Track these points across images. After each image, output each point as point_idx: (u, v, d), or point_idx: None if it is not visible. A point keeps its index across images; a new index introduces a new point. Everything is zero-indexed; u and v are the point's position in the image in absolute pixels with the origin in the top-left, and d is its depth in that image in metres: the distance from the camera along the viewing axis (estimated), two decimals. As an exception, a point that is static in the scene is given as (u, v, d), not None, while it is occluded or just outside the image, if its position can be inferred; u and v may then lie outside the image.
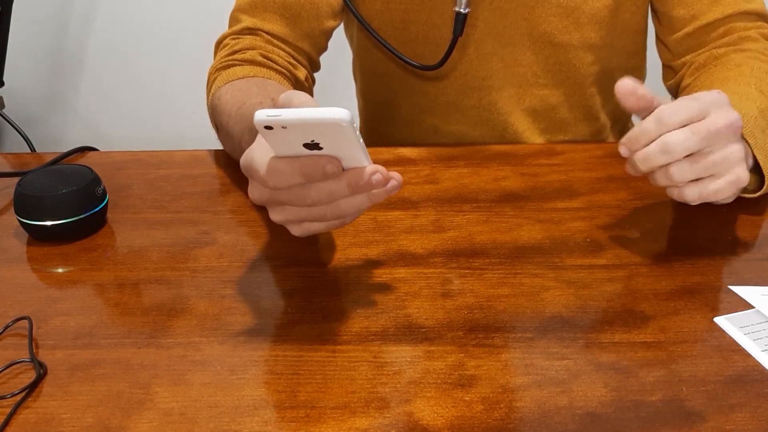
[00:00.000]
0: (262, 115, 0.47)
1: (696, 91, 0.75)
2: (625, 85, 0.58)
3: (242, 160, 0.53)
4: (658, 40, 0.88)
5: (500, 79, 0.88)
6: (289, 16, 0.83)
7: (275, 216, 0.55)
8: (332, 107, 0.46)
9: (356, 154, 0.50)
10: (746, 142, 0.63)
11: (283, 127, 0.47)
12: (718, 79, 0.76)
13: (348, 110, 0.46)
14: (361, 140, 0.49)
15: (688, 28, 0.83)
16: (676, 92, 0.87)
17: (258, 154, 0.52)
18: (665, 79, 0.89)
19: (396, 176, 0.52)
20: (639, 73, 0.96)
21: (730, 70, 0.76)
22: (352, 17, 0.92)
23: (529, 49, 0.86)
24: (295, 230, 0.56)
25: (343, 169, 0.51)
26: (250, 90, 0.73)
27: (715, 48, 0.82)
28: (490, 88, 0.89)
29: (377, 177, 0.51)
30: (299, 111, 0.46)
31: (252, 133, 0.66)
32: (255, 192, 0.54)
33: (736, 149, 0.58)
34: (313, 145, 0.49)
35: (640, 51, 0.93)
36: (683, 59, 0.85)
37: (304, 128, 0.47)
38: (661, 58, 0.89)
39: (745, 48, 0.80)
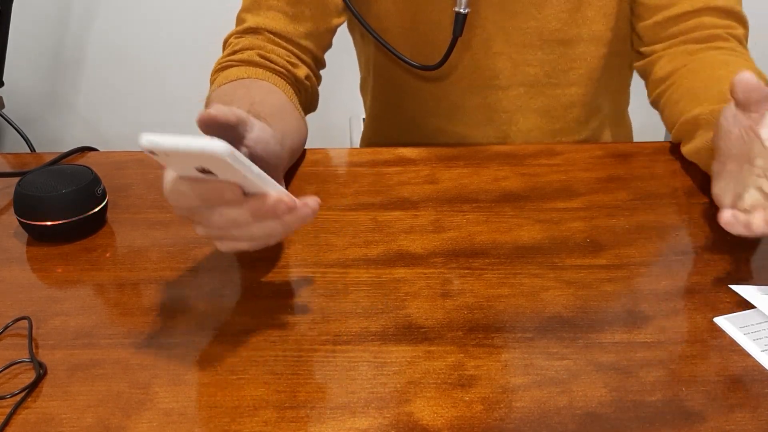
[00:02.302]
0: (144, 140, 0.46)
1: (686, 91, 0.75)
2: (748, 82, 0.54)
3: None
4: (630, 25, 0.89)
5: (507, 78, 0.88)
6: (293, 14, 0.83)
7: (197, 230, 0.53)
8: (212, 139, 0.45)
9: (254, 182, 0.49)
10: None
11: (166, 154, 0.47)
12: (711, 77, 0.75)
13: (227, 143, 0.45)
14: (256, 169, 0.48)
15: (658, 17, 0.83)
16: (642, 74, 0.88)
17: (169, 173, 0.51)
18: (633, 58, 0.90)
19: (310, 202, 0.51)
20: (629, 57, 0.97)
21: (719, 68, 0.76)
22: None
23: (539, 48, 0.86)
24: (221, 246, 0.54)
25: (247, 194, 0.50)
26: (235, 93, 0.74)
27: (686, 43, 0.82)
28: (496, 87, 0.89)
29: (281, 206, 0.49)
30: (179, 140, 0.45)
31: None
32: (173, 207, 0.53)
33: None
34: (206, 171, 0.48)
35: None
36: (651, 47, 0.85)
37: (185, 157, 0.46)
38: (632, 42, 0.90)
39: (719, 46, 0.80)
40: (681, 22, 0.82)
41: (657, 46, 0.84)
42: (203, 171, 0.48)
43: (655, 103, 0.86)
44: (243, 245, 0.54)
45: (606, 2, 0.85)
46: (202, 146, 0.45)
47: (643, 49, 0.87)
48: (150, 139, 0.46)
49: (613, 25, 0.87)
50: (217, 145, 0.44)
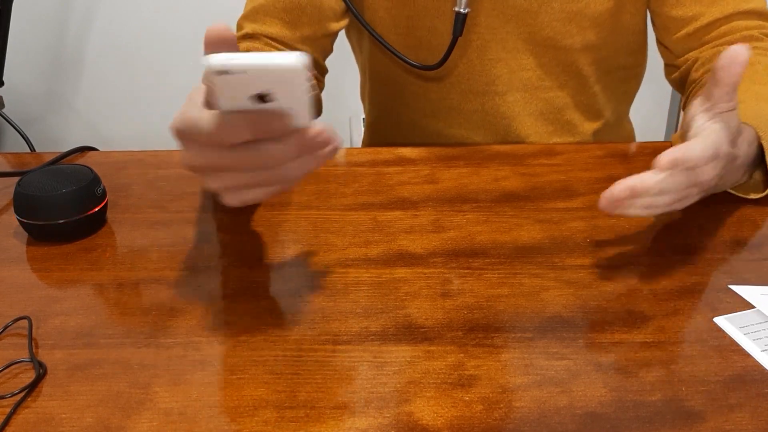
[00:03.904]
0: (214, 59, 0.44)
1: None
2: (735, 55, 0.54)
3: (179, 122, 0.49)
4: (658, 41, 0.88)
5: (504, 84, 0.88)
6: (290, 20, 0.83)
7: (212, 183, 0.50)
8: (284, 53, 0.44)
9: (303, 110, 0.47)
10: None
11: (232, 76, 0.44)
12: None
13: (304, 56, 0.44)
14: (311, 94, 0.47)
15: (689, 28, 0.83)
16: (680, 86, 0.88)
17: (203, 113, 0.48)
18: (667, 74, 0.90)
19: (335, 139, 0.50)
20: (640, 69, 0.96)
21: (751, 65, 0.76)
22: (356, 23, 0.92)
23: (532, 53, 0.87)
24: (232, 199, 0.50)
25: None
26: None
27: (720, 45, 0.82)
28: (493, 93, 0.89)
29: (325, 135, 0.48)
30: (252, 57, 0.44)
31: None
32: (193, 157, 0.49)
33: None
34: (261, 98, 0.46)
35: (641, 49, 0.94)
36: (686, 56, 0.85)
37: (255, 77, 0.45)
38: (663, 57, 0.89)
39: (754, 46, 0.80)
40: (713, 30, 0.82)
41: (691, 54, 0.84)
42: (260, 98, 0.46)
43: (685, 106, 0.85)
44: (259, 193, 0.50)
45: (600, 14, 0.84)
46: (280, 61, 0.43)
47: (677, 62, 0.86)
48: (221, 60, 0.44)
49: (606, 36, 0.86)
50: (295, 57, 0.43)
